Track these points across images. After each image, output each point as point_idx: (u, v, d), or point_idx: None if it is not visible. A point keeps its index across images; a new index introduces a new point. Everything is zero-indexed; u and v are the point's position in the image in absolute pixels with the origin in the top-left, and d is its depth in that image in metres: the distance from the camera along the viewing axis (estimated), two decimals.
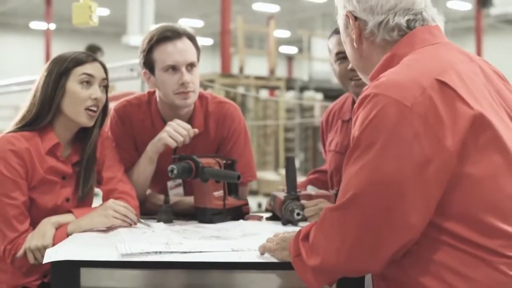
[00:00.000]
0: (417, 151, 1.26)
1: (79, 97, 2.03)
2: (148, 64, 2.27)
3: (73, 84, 2.03)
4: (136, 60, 3.46)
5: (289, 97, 14.64)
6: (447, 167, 1.27)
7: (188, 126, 2.22)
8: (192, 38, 2.27)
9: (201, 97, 2.36)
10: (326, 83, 14.84)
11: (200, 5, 23.04)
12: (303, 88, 14.50)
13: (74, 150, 2.11)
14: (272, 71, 13.51)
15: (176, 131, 2.18)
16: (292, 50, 31.81)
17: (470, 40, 20.35)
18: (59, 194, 2.05)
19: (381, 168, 1.28)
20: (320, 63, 18.99)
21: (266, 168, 13.06)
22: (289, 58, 32.35)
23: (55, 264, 1.58)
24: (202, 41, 31.17)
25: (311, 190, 2.21)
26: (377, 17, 1.46)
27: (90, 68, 2.06)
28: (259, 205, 8.32)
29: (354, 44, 1.52)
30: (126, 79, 3.52)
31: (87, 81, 2.04)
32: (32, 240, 1.91)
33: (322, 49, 21.85)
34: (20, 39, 25.47)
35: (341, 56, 2.26)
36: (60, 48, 18.57)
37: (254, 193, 10.40)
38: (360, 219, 1.30)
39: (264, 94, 16.86)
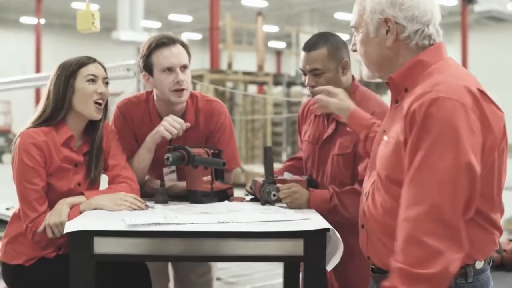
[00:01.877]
0: (482, 140, 1.55)
1: (87, 93, 2.38)
2: (147, 67, 2.62)
3: (80, 83, 2.38)
4: (132, 60, 3.82)
5: (277, 92, 14.92)
6: (494, 152, 1.59)
7: (181, 120, 2.57)
8: (184, 45, 2.63)
9: (192, 96, 2.72)
10: None
11: (189, 0, 23.23)
12: (290, 83, 14.81)
13: (84, 142, 2.47)
14: (260, 67, 13.78)
15: (171, 125, 2.53)
16: (280, 45, 32.06)
17: (457, 35, 20.70)
18: (72, 179, 2.40)
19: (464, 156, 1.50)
20: None
21: (254, 162, 13.36)
22: (278, 53, 32.59)
23: (73, 234, 1.94)
24: (191, 36, 31.17)
25: (286, 175, 2.55)
26: (415, 25, 1.69)
27: (93, 68, 2.41)
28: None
29: (387, 44, 1.72)
30: (123, 78, 3.85)
31: (92, 80, 2.40)
32: (51, 217, 2.26)
33: None
34: (11, 33, 25.57)
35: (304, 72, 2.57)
36: (50, 42, 18.76)
37: (242, 185, 10.75)
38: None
39: (252, 89, 17.15)
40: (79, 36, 26.31)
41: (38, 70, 21.41)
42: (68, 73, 2.38)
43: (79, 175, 2.42)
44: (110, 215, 2.16)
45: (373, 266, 1.78)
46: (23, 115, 20.66)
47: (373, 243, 1.76)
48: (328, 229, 1.98)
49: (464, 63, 19.82)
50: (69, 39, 28.15)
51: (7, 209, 6.04)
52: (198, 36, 30.70)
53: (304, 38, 21.31)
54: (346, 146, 2.47)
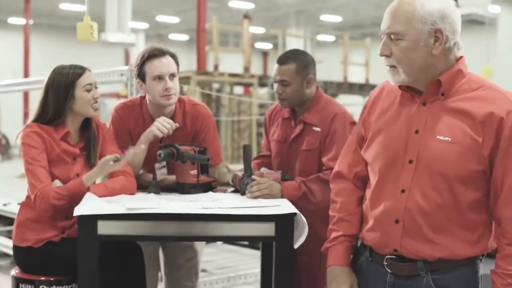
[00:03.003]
0: None
1: (86, 100, 2.77)
2: (141, 75, 2.98)
3: (80, 92, 2.76)
4: (125, 67, 4.17)
5: (262, 93, 15.20)
6: None
7: (171, 121, 2.94)
8: (173, 56, 3.00)
9: (180, 100, 3.08)
10: None
11: (176, 2, 23.29)
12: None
13: (80, 138, 2.84)
14: (246, 69, 14.05)
15: (162, 125, 2.90)
16: (267, 46, 32.37)
17: None
18: (71, 169, 2.77)
19: None
20: None
21: (239, 161, 13.65)
22: (265, 54, 32.88)
23: (81, 218, 2.31)
24: (178, 37, 31.37)
25: (263, 170, 2.93)
26: (455, 37, 1.90)
27: (88, 77, 2.80)
28: None
29: (434, 52, 1.89)
30: (117, 83, 4.21)
31: (89, 89, 2.77)
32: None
33: (295, 47, 22.53)
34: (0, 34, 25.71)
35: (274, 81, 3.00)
36: (38, 42, 18.87)
37: (227, 184, 11.06)
38: None
39: (238, 90, 17.44)
40: (67, 36, 26.49)
41: (26, 70, 21.57)
42: (68, 83, 2.75)
43: (77, 167, 2.78)
44: (112, 203, 2.51)
45: (393, 256, 1.93)
46: (11, 115, 20.72)
47: (411, 237, 1.89)
48: (295, 214, 2.36)
49: None
50: (57, 39, 28.34)
51: (4, 205, 6.38)
52: (185, 37, 30.87)
53: (290, 40, 21.64)
54: (313, 143, 2.90)
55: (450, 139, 1.85)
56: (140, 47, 25.87)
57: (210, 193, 2.88)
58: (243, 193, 2.77)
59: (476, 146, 1.84)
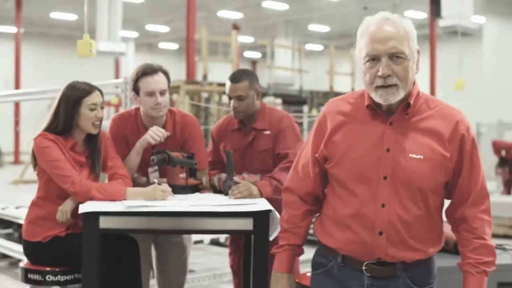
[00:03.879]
0: None
1: (89, 118, 3.11)
2: (135, 89, 3.36)
3: (84, 110, 3.11)
4: (120, 79, 4.54)
5: None
6: None
7: (163, 130, 3.32)
8: (165, 73, 3.38)
9: (170, 111, 3.47)
10: (284, 89, 15.79)
11: (165, 11, 23.60)
12: (263, 94, 15.42)
13: (86, 147, 3.19)
14: None
15: (155, 134, 3.28)
16: (256, 55, 32.74)
17: (427, 46, 21.54)
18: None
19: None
20: (282, 71, 19.99)
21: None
22: (253, 63, 33.15)
23: (85, 214, 2.68)
24: (168, 45, 31.62)
25: (245, 174, 3.32)
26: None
27: (95, 97, 3.13)
28: None
29: (416, 71, 2.06)
30: (112, 94, 4.58)
31: (93, 108, 3.12)
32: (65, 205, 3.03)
33: (283, 57, 22.84)
34: None
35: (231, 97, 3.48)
36: (29, 51, 18.99)
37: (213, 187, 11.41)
38: None
39: (227, 99, 17.77)
40: (58, 44, 26.58)
41: (17, 78, 21.71)
42: (76, 100, 3.10)
43: (83, 173, 3.14)
44: (111, 203, 2.88)
45: (373, 261, 2.05)
46: (2, 123, 20.71)
47: (395, 246, 2.02)
48: (270, 210, 2.74)
49: (432, 73, 20.63)
50: (48, 47, 28.56)
51: (2, 209, 6.69)
52: (174, 46, 31.10)
53: (278, 50, 21.87)
54: (266, 144, 3.45)
55: (422, 156, 2.00)
56: (130, 56, 26.13)
57: (197, 193, 3.27)
58: (226, 194, 3.15)
59: (445, 161, 2.02)
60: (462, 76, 15.90)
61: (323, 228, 2.15)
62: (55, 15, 24.38)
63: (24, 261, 3.24)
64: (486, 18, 20.67)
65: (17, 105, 21.25)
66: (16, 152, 21.75)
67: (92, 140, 3.19)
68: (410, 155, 2.00)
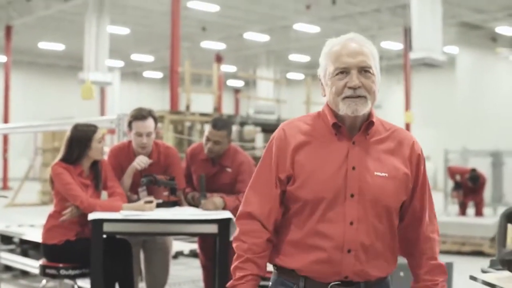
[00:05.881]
0: None
1: (99, 150, 4.08)
2: (129, 127, 4.29)
3: (95, 144, 4.06)
4: (114, 116, 5.47)
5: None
6: None
7: (146, 158, 4.24)
8: (154, 117, 4.31)
9: (156, 144, 4.42)
10: (262, 119, 16.57)
11: (150, 41, 24.50)
12: (243, 123, 16.13)
13: (90, 173, 4.12)
14: (216, 109, 14.97)
15: (141, 161, 4.22)
16: (239, 83, 33.57)
17: (403, 76, 22.03)
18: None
19: None
20: (263, 101, 20.78)
21: None
22: (236, 91, 33.59)
23: (93, 221, 3.62)
24: (153, 74, 32.32)
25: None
26: None
27: (100, 132, 4.10)
28: None
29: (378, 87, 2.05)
30: (107, 128, 5.51)
31: (100, 141, 4.06)
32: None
33: (265, 85, 23.70)
34: None
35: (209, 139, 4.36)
36: (18, 79, 19.67)
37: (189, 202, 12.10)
38: None
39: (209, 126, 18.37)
40: (46, 73, 27.16)
41: (6, 107, 22.17)
42: (88, 137, 4.05)
43: (89, 192, 4.06)
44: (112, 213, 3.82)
45: (338, 282, 1.99)
46: None
47: (362, 263, 1.99)
48: (231, 218, 3.68)
49: (407, 101, 21.28)
50: (36, 76, 29.27)
51: (7, 227, 7.49)
52: (159, 74, 31.68)
53: (260, 83, 22.53)
54: (228, 178, 4.31)
55: (387, 174, 2.01)
56: (116, 84, 26.78)
57: (177, 207, 4.22)
58: (197, 207, 4.09)
59: (407, 180, 2.04)
60: (411, 111, 16.41)
61: (282, 253, 2.07)
62: (43, 45, 25.14)
63: (42, 260, 4.15)
64: (460, 49, 21.57)
65: (5, 137, 21.70)
66: (5, 179, 22.11)
67: (95, 167, 4.11)
68: (376, 173, 2.00)
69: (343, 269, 1.99)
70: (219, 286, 3.66)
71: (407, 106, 21.22)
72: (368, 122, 2.05)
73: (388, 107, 25.34)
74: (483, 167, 15.04)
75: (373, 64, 2.04)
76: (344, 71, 2.02)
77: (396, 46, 23.63)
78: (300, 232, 2.04)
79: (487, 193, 15.83)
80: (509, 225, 2.40)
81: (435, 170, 23.57)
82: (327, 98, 2.07)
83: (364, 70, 2.02)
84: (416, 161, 2.08)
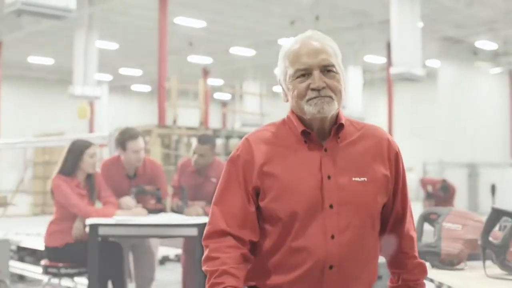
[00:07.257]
0: None
1: (90, 164, 4.63)
2: (123, 146, 4.85)
3: (86, 158, 4.62)
4: (106, 133, 6.05)
5: (217, 144, 16.55)
6: None
7: (132, 201, 4.72)
8: (142, 136, 4.89)
9: (145, 159, 4.98)
10: (247, 132, 16.97)
11: (138, 56, 24.69)
12: (228, 137, 16.60)
13: (85, 185, 4.69)
14: (202, 123, 15.43)
15: (126, 204, 4.73)
16: (226, 96, 33.96)
17: (386, 89, 22.66)
18: None
19: None
20: (250, 115, 21.26)
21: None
22: (224, 104, 33.88)
23: (90, 225, 4.19)
24: (141, 88, 32.63)
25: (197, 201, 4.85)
26: None
27: (93, 148, 4.67)
28: None
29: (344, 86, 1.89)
30: (100, 144, 6.10)
31: (92, 156, 4.63)
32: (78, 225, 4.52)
33: (251, 98, 24.14)
34: None
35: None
36: (8, 93, 19.84)
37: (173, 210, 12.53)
38: None
39: (195, 141, 18.79)
40: (36, 87, 27.40)
41: None
42: (81, 151, 4.61)
43: (84, 201, 4.62)
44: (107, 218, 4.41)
45: None
46: None
47: (345, 277, 1.84)
48: None
49: (390, 113, 21.82)
50: (26, 89, 29.58)
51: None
52: (147, 88, 31.88)
53: (246, 97, 22.99)
54: (211, 188, 4.72)
55: (365, 179, 1.85)
56: (104, 98, 27.09)
57: (162, 213, 4.80)
58: (180, 213, 4.68)
59: (387, 181, 1.90)
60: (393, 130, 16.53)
61: (261, 274, 1.90)
62: (32, 59, 25.51)
63: (44, 261, 4.72)
64: (441, 63, 21.91)
65: None
66: None
67: (89, 179, 4.69)
68: (353, 178, 1.85)
69: (325, 285, 1.84)
70: (198, 285, 4.25)
71: (390, 118, 21.76)
72: (337, 125, 1.89)
73: (372, 119, 25.87)
74: (460, 178, 15.65)
75: (336, 62, 1.88)
76: (305, 73, 1.86)
77: (379, 60, 24.08)
78: (278, 251, 1.87)
79: (464, 202, 16.50)
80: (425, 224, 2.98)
81: (418, 181, 24.01)
82: (290, 104, 1.92)
83: (327, 69, 1.86)
84: (395, 160, 1.94)
